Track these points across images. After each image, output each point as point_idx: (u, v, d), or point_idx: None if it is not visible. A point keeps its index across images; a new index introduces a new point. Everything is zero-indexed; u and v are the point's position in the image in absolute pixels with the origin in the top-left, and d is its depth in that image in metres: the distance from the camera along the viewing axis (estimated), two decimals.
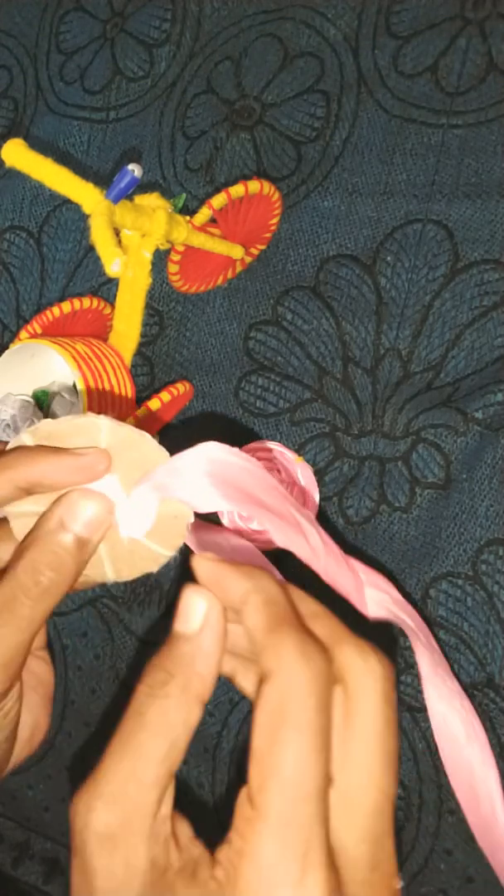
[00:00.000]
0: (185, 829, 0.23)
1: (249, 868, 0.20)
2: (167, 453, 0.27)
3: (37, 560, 0.25)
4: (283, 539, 0.26)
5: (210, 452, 0.26)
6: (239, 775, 0.46)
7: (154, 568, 0.29)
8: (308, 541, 0.27)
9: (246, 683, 0.27)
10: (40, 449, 0.26)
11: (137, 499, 0.27)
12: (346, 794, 0.22)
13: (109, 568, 0.28)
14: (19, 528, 0.28)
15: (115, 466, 0.27)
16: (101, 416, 0.26)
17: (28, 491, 0.26)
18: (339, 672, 0.22)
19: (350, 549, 0.45)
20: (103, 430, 0.26)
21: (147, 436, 0.27)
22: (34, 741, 0.32)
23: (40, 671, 0.33)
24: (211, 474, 0.26)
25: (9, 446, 0.27)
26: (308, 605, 0.24)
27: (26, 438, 0.27)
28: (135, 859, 0.21)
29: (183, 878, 0.21)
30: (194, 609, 0.24)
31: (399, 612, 0.30)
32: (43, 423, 0.26)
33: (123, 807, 0.21)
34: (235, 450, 0.26)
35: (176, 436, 0.50)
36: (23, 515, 0.27)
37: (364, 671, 0.22)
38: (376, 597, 0.30)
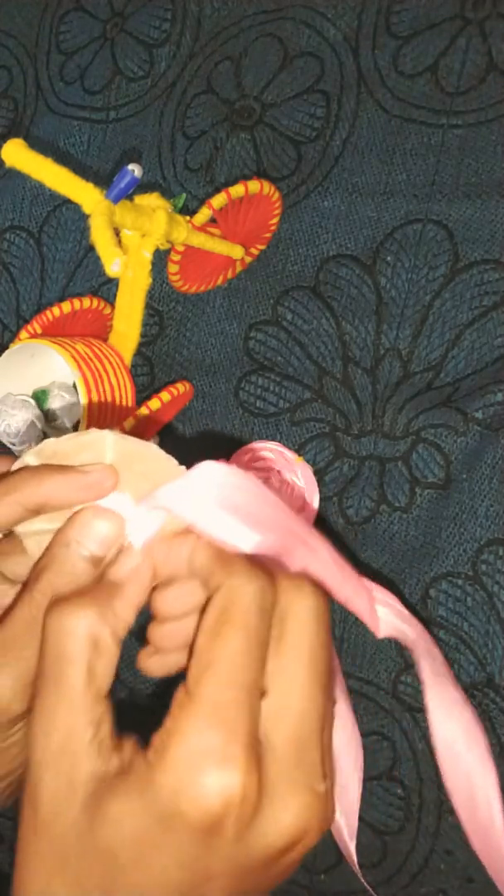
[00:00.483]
0: (130, 740, 0.24)
1: (177, 745, 0.22)
2: (175, 462, 0.27)
3: (54, 581, 0.26)
4: (294, 559, 0.26)
5: (217, 474, 0.26)
6: None
7: None
8: (318, 558, 0.27)
9: None
10: (45, 468, 0.26)
11: (145, 515, 0.27)
12: (276, 700, 0.23)
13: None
14: (33, 546, 0.27)
15: (123, 480, 0.26)
16: (106, 431, 0.26)
17: (36, 511, 0.26)
18: (276, 596, 0.24)
19: (350, 549, 0.45)
20: (108, 444, 0.26)
21: (153, 446, 0.27)
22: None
23: None
24: (219, 498, 0.26)
25: (13, 467, 0.27)
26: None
27: (30, 459, 0.27)
28: (76, 775, 0.22)
29: (121, 776, 0.22)
30: (99, 529, 0.26)
31: (402, 623, 0.30)
32: (47, 443, 0.26)
33: (58, 733, 0.23)
34: (240, 470, 0.26)
35: (176, 436, 0.50)
36: (35, 534, 0.27)
37: (298, 594, 0.24)
38: (382, 612, 0.30)
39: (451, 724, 0.28)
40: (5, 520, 0.26)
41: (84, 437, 0.26)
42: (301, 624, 0.24)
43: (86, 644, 0.23)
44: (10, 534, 0.30)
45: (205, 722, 0.22)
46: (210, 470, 0.26)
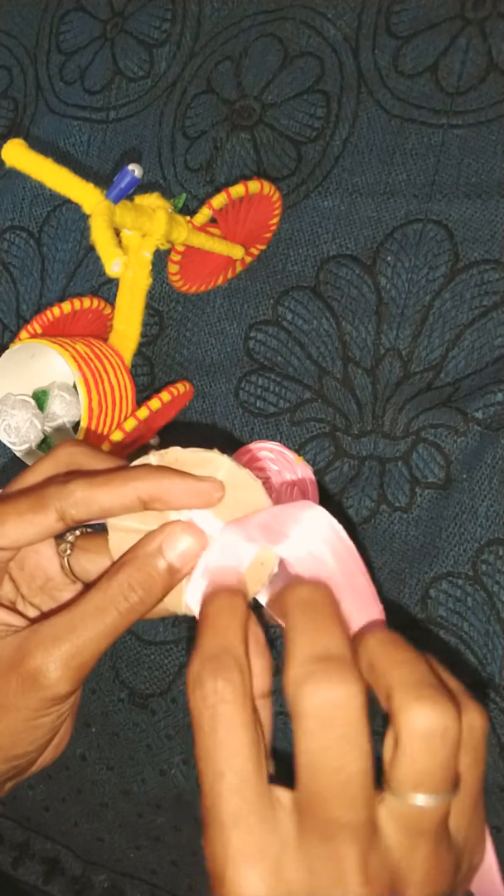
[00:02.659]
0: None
1: None
2: (270, 502, 0.29)
3: (132, 577, 0.27)
4: (362, 614, 0.28)
5: (327, 520, 0.28)
6: None
7: None
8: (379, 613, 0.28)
9: None
10: (166, 468, 0.28)
11: (237, 539, 0.28)
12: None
13: (186, 600, 0.30)
14: (115, 541, 0.29)
15: (222, 502, 0.29)
16: (224, 456, 0.28)
17: (146, 504, 0.28)
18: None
19: None
20: (223, 467, 0.28)
21: (258, 482, 0.29)
22: (58, 749, 0.33)
23: None
24: (327, 541, 0.27)
25: (135, 463, 0.29)
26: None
27: (153, 459, 0.29)
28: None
29: None
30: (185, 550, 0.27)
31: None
32: (171, 449, 0.29)
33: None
34: (338, 526, 0.28)
35: (176, 436, 0.50)
36: (122, 530, 0.29)
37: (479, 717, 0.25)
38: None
39: None
40: (119, 502, 0.28)
41: (204, 454, 0.29)
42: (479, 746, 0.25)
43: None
44: (90, 533, 0.32)
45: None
46: (324, 516, 0.27)
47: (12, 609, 0.30)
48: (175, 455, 0.29)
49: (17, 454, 0.46)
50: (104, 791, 0.50)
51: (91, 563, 0.31)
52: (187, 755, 0.47)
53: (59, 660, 0.27)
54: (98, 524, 0.31)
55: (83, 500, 0.28)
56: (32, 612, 0.32)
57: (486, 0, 0.45)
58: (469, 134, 0.45)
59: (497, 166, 0.44)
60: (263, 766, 0.23)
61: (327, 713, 0.22)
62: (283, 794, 0.23)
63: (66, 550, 0.32)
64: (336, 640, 0.24)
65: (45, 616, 0.30)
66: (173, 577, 0.28)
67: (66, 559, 0.32)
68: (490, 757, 0.41)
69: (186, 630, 0.49)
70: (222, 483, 0.28)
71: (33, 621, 0.29)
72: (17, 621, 0.29)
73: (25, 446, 0.46)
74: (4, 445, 0.46)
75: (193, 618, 0.28)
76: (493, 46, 0.45)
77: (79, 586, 0.32)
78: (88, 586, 0.31)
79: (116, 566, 0.28)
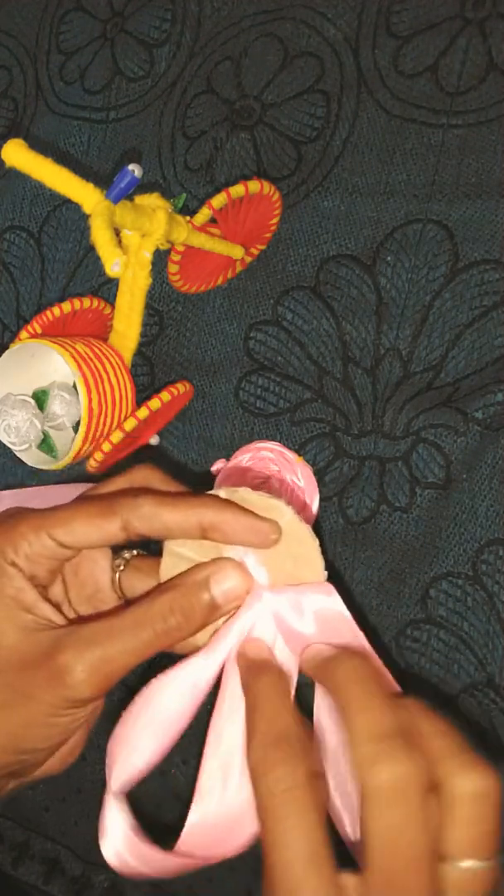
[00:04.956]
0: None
1: None
2: (322, 564, 0.30)
3: (174, 601, 0.28)
4: None
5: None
6: None
7: None
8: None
9: None
10: (231, 502, 0.30)
11: (275, 598, 0.29)
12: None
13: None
14: (167, 565, 0.31)
15: (274, 550, 0.30)
16: (290, 506, 0.30)
17: (206, 532, 0.29)
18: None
19: (350, 549, 0.45)
20: (286, 516, 0.30)
21: (315, 541, 0.30)
22: (67, 759, 0.34)
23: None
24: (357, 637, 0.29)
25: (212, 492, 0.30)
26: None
27: (222, 493, 0.30)
28: None
29: None
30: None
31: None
32: (240, 489, 0.30)
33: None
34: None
35: (176, 436, 0.50)
36: (176, 556, 0.31)
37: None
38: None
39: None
40: (181, 524, 0.29)
41: (270, 500, 0.30)
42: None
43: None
44: (145, 555, 0.33)
45: None
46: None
47: (57, 609, 0.31)
48: (243, 495, 0.30)
49: (17, 454, 0.46)
50: (104, 791, 0.50)
51: (140, 583, 0.32)
52: (187, 755, 0.47)
53: (88, 663, 0.28)
54: (153, 549, 0.32)
55: (148, 514, 0.29)
56: (74, 618, 0.33)
57: (486, 0, 0.45)
58: (469, 134, 0.45)
59: (497, 166, 0.44)
60: (331, 851, 0.24)
61: (400, 788, 0.23)
62: (349, 879, 0.24)
63: (119, 566, 0.33)
64: (396, 717, 0.24)
65: (84, 620, 0.31)
66: (213, 612, 0.29)
67: (118, 574, 0.33)
68: None
69: None
70: (281, 528, 0.29)
71: (72, 622, 0.30)
72: (59, 620, 0.30)
73: (25, 446, 0.46)
74: (4, 445, 0.46)
75: None
76: (493, 46, 0.45)
77: (124, 604, 0.33)
78: (132, 603, 0.32)
79: (163, 587, 0.29)
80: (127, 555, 0.34)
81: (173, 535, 0.30)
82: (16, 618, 0.29)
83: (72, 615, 0.33)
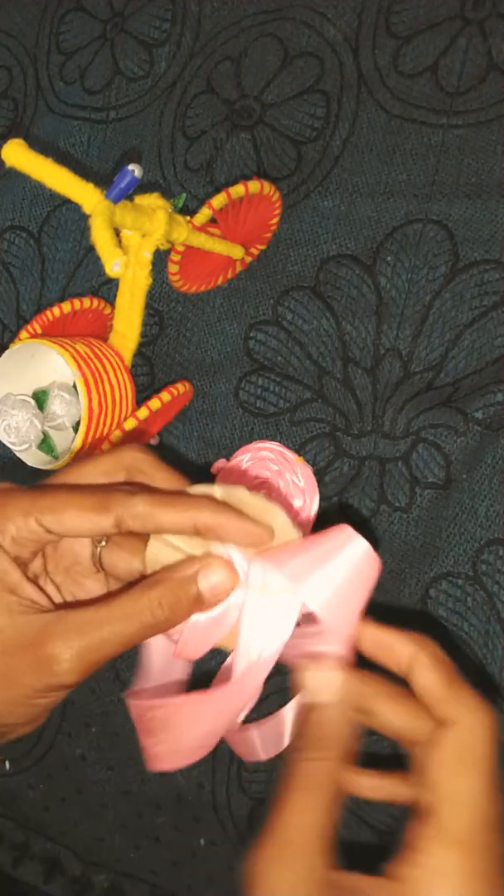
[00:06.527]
0: (347, 874, 0.27)
1: (434, 878, 0.26)
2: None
3: (163, 596, 0.29)
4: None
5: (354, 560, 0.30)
6: (239, 776, 0.46)
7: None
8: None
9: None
10: (225, 505, 0.30)
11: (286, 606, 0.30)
12: None
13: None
14: (153, 551, 0.31)
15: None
16: (283, 512, 0.30)
17: (199, 532, 0.29)
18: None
19: None
20: (279, 519, 0.30)
21: (298, 534, 0.30)
22: (39, 721, 0.34)
23: None
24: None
25: (197, 490, 0.31)
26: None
27: (217, 491, 0.30)
28: None
29: None
30: (328, 683, 0.29)
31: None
32: (237, 489, 0.30)
33: (296, 859, 0.26)
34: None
35: (176, 436, 0.50)
36: (163, 543, 0.31)
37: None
38: None
39: None
40: (176, 525, 0.29)
41: (266, 503, 0.30)
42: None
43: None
44: (134, 536, 0.33)
45: (461, 863, 0.26)
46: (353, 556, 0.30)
47: (38, 586, 0.31)
48: (239, 495, 0.30)
49: (17, 454, 0.46)
50: (104, 791, 0.50)
51: (120, 560, 0.32)
52: None
53: (75, 652, 0.28)
54: None
55: (143, 514, 0.29)
56: (51, 589, 0.33)
57: (486, 0, 0.45)
58: (469, 134, 0.45)
59: (497, 166, 0.44)
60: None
61: None
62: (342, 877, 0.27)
63: (101, 541, 0.33)
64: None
65: (68, 605, 0.31)
66: (199, 607, 0.29)
67: (98, 549, 0.33)
68: None
69: None
70: (273, 532, 0.30)
71: (57, 605, 0.30)
72: (43, 601, 0.30)
73: (25, 446, 0.46)
74: (4, 445, 0.46)
75: None
76: (493, 46, 0.45)
77: (101, 576, 0.33)
78: (115, 587, 0.33)
79: (152, 581, 0.29)
80: None
81: (166, 533, 0.30)
82: (1, 600, 0.29)
83: (49, 587, 0.33)
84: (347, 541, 0.29)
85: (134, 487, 0.31)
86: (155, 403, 0.45)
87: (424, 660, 0.29)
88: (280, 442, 0.46)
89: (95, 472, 0.32)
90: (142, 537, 0.32)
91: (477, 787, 0.27)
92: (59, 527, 0.29)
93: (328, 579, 0.29)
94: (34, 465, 0.46)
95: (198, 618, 0.30)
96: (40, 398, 0.47)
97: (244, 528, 0.29)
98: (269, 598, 0.29)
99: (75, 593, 0.33)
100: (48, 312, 0.47)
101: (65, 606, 0.30)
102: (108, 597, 0.30)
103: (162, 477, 0.32)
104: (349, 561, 0.29)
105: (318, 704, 0.29)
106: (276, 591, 0.29)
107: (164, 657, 0.32)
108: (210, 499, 0.30)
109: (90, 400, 0.43)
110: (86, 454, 0.45)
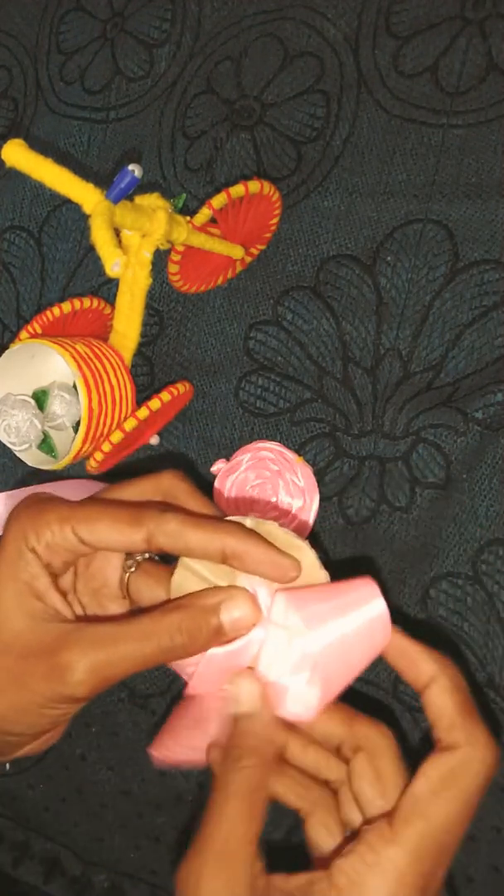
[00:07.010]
0: (278, 876, 0.28)
1: (379, 879, 0.26)
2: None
3: (183, 622, 0.29)
4: None
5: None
6: None
7: None
8: None
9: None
10: (256, 534, 0.30)
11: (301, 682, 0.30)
12: None
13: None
14: (179, 579, 0.31)
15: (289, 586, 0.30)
16: (313, 552, 0.30)
17: (226, 558, 0.29)
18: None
19: (350, 549, 0.45)
20: (308, 557, 0.30)
21: (326, 580, 0.30)
22: (47, 743, 0.34)
23: None
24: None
25: (231, 518, 0.31)
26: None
27: (248, 522, 0.31)
28: None
29: None
30: (249, 692, 0.29)
31: None
32: (268, 523, 0.31)
33: (228, 867, 0.26)
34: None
35: (176, 436, 0.50)
36: (189, 571, 0.31)
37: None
38: None
39: None
40: (204, 547, 0.29)
41: (295, 540, 0.30)
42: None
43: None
44: (156, 561, 0.34)
45: (411, 868, 0.27)
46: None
47: (63, 597, 0.31)
48: (269, 528, 0.30)
49: (17, 454, 0.46)
50: (104, 791, 0.50)
51: (146, 588, 0.33)
52: None
53: (90, 664, 0.28)
54: (167, 557, 0.32)
55: (174, 532, 0.29)
56: (76, 608, 0.33)
57: (486, 0, 0.45)
58: (469, 134, 0.45)
59: (497, 166, 0.44)
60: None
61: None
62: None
63: (131, 567, 0.34)
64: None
65: (89, 619, 0.32)
66: (217, 638, 0.30)
67: (127, 574, 0.33)
68: None
69: None
70: (301, 567, 0.30)
71: (79, 619, 0.30)
72: (66, 612, 0.30)
73: (25, 446, 0.46)
74: (4, 445, 0.46)
75: None
76: (493, 46, 0.45)
77: (126, 603, 0.34)
78: (137, 610, 0.33)
79: (175, 605, 0.30)
80: (139, 557, 0.34)
81: (194, 556, 0.30)
82: (26, 604, 0.30)
83: (75, 605, 0.33)
84: (370, 597, 0.30)
85: (167, 506, 0.31)
86: (155, 403, 0.45)
87: (444, 682, 0.30)
88: (280, 442, 0.47)
89: (133, 493, 0.32)
90: (169, 568, 0.32)
91: (452, 814, 0.27)
92: (92, 537, 0.30)
93: (340, 631, 0.29)
94: (34, 465, 0.46)
95: (215, 651, 0.30)
96: (40, 398, 0.47)
97: (272, 559, 0.29)
98: (289, 639, 0.29)
99: (98, 616, 0.34)
100: (48, 312, 0.47)
101: (86, 621, 0.30)
102: (129, 615, 0.30)
103: (195, 504, 0.32)
104: (365, 617, 0.29)
105: (242, 714, 0.29)
106: (296, 632, 0.29)
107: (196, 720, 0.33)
108: (240, 525, 0.30)
109: (90, 400, 0.43)
110: (86, 454, 0.45)
